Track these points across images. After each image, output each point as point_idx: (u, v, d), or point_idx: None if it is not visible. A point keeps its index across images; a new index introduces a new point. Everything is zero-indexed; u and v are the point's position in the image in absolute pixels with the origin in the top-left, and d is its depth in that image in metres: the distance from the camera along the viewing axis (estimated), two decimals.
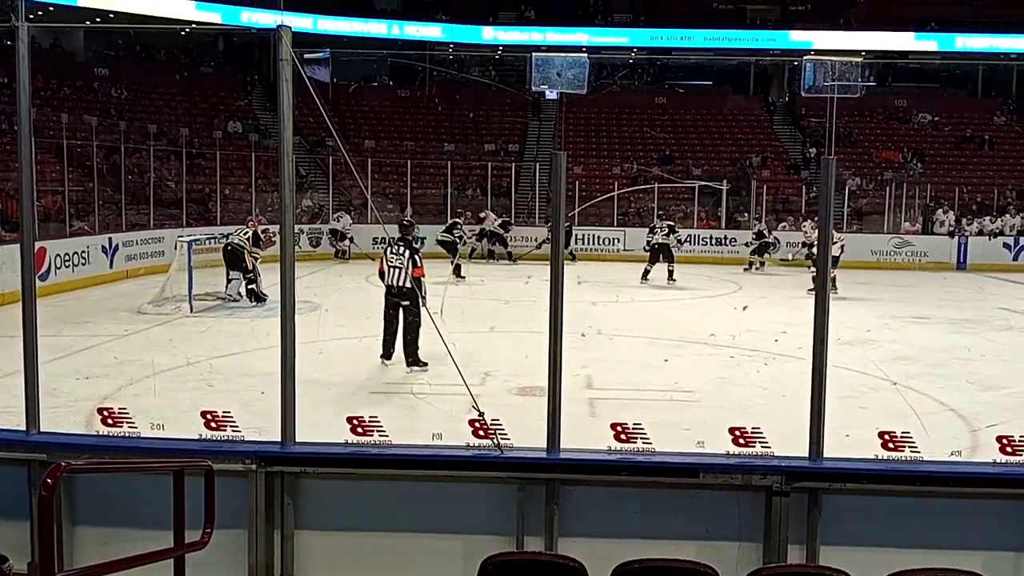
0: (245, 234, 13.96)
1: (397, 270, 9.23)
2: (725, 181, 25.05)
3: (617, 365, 9.86)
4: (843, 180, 25.30)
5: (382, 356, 9.39)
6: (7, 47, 20.29)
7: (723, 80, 34.31)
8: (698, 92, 33.29)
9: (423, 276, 9.33)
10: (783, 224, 24.44)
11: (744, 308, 13.35)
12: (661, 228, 17.94)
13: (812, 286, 15.05)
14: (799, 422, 4.42)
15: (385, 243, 10.44)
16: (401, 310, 9.20)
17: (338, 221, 22.51)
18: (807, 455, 4.33)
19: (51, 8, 23.51)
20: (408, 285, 9.11)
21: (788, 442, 4.43)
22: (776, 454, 4.33)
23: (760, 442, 4.34)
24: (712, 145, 30.61)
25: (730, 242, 23.91)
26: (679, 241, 18.75)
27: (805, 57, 4.58)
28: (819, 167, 25.97)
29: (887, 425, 4.44)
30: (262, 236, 13.95)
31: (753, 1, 32.86)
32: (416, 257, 9.26)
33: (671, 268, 17.75)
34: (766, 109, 32.42)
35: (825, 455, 4.33)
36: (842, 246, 16.50)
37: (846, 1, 31.96)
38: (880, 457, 4.28)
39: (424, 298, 8.84)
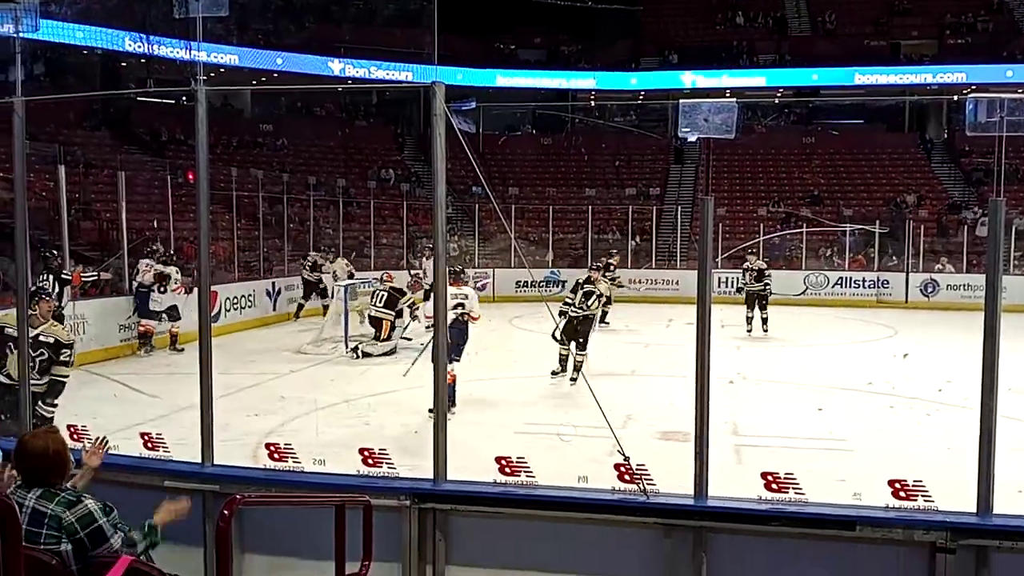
0: (382, 299, 13.50)
1: None
2: (879, 223, 24.05)
3: (765, 412, 9.58)
4: (1010, 220, 23.78)
5: None
6: (185, 108, 22.12)
7: (876, 118, 33.06)
8: (849, 131, 32.21)
9: None
10: (938, 266, 23.20)
11: (905, 356, 12.69)
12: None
13: None
14: (966, 476, 4.19)
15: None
16: None
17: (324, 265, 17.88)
18: (975, 511, 4.10)
19: (222, 70, 25.46)
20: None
21: (954, 497, 4.19)
22: (941, 509, 4.13)
23: (923, 496, 4.13)
24: (864, 185, 29.48)
25: (883, 284, 22.93)
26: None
27: (969, 94, 4.42)
28: (981, 206, 24.68)
29: None
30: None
31: (908, 36, 31.61)
32: None
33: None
34: (923, 147, 30.97)
35: (995, 511, 4.08)
36: None
37: (1007, 33, 30.30)
38: None
39: None
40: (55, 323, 6.94)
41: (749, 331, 15.47)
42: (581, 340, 10.77)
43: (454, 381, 9.32)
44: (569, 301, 11.19)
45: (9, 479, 3.41)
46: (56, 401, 6.70)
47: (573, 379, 10.67)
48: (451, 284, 9.95)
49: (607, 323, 17.00)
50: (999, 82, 26.71)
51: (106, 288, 14.05)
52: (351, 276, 16.80)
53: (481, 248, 24.41)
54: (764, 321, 15.64)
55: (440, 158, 4.55)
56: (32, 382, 5.81)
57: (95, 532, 3.21)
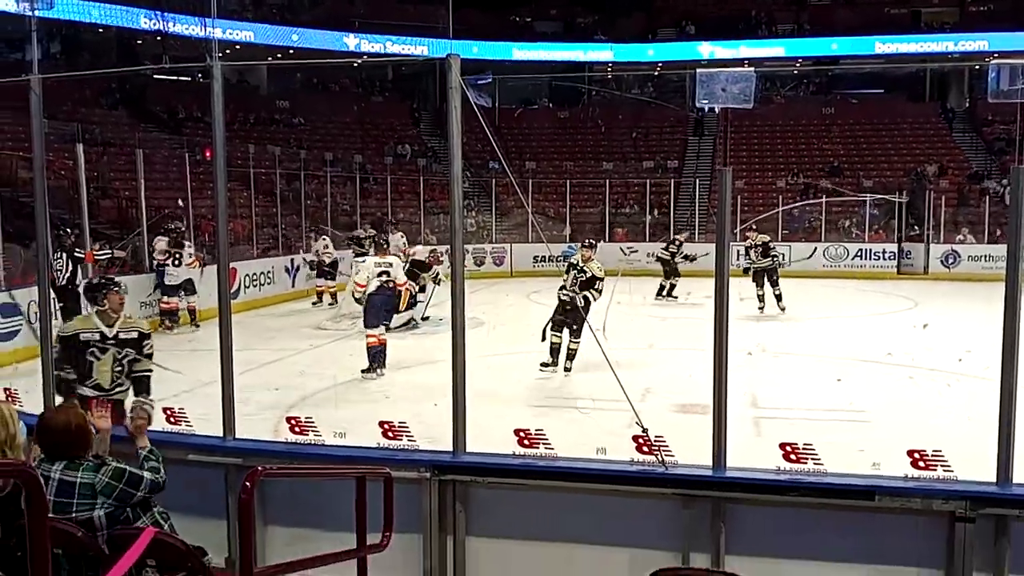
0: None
1: None
2: (901, 193, 23.81)
3: (784, 383, 9.57)
4: None
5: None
6: (201, 85, 22.14)
7: (896, 87, 32.60)
8: (869, 101, 31.79)
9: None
10: (959, 237, 22.94)
11: (925, 326, 12.60)
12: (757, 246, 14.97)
13: None
14: (986, 446, 4.17)
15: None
16: None
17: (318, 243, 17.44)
18: (994, 480, 4.09)
19: (237, 47, 25.44)
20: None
21: (974, 467, 4.18)
22: (960, 478, 4.12)
23: (942, 466, 4.13)
24: (884, 155, 29.14)
25: (904, 255, 22.73)
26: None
27: (991, 61, 4.34)
28: (1003, 175, 24.33)
29: None
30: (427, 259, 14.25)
31: (929, 4, 31.06)
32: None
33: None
34: (944, 116, 30.53)
35: (1015, 481, 4.07)
36: None
37: None
38: None
39: None
40: (129, 316, 6.04)
41: (761, 308, 14.65)
42: (575, 327, 9.60)
43: (384, 344, 9.94)
44: (564, 283, 9.96)
45: (32, 453, 3.49)
46: (151, 398, 5.78)
47: (567, 369, 9.85)
48: (377, 254, 10.53)
49: (675, 296, 16.84)
50: (1022, 49, 26.26)
51: (126, 266, 14.17)
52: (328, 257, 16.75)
53: (498, 223, 24.39)
54: (779, 299, 14.67)
55: (456, 132, 4.53)
56: (118, 390, 5.67)
57: (130, 478, 3.42)
